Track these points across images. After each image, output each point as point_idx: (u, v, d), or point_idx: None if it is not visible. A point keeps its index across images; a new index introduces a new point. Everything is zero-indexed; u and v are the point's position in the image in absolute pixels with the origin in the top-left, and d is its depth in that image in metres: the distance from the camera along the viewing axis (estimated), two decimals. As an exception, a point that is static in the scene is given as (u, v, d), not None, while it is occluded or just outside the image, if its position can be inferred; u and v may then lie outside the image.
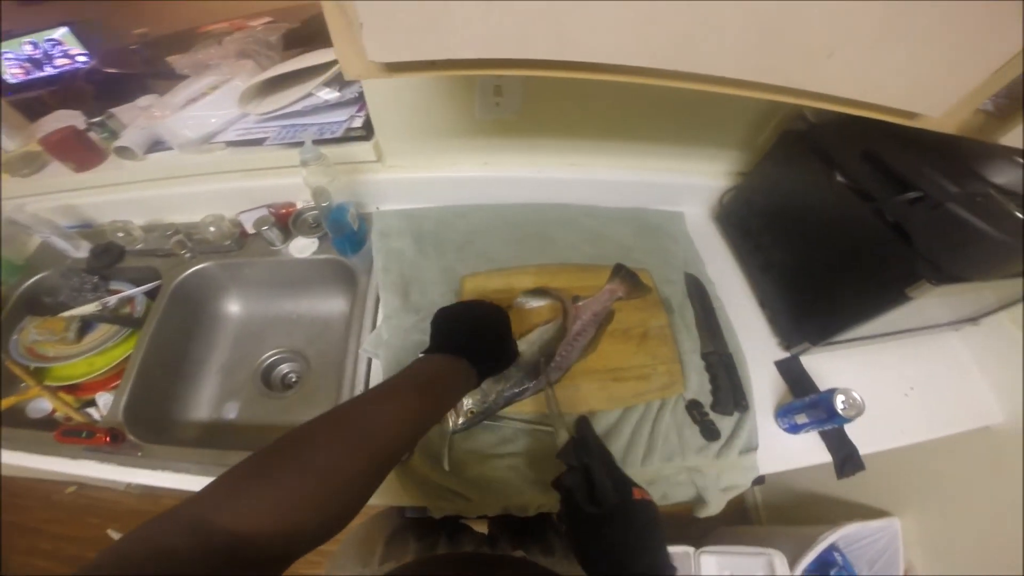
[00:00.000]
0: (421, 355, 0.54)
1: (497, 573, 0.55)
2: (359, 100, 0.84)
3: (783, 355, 0.79)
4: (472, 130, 0.84)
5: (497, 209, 0.95)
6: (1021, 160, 0.50)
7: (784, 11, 0.34)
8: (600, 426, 0.68)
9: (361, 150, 0.84)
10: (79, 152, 0.88)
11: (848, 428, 0.70)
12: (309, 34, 0.97)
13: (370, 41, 0.35)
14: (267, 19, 1.18)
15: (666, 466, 0.66)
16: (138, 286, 0.88)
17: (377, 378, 0.74)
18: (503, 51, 0.37)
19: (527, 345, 0.72)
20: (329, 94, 0.81)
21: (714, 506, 0.67)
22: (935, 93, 0.39)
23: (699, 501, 0.67)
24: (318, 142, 0.77)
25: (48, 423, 0.79)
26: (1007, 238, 0.49)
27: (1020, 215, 0.50)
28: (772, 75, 0.39)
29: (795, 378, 0.75)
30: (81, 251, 0.90)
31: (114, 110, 0.93)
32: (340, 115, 0.83)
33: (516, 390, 0.68)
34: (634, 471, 0.65)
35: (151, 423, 0.76)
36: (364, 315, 0.81)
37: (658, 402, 0.71)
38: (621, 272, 0.82)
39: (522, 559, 0.64)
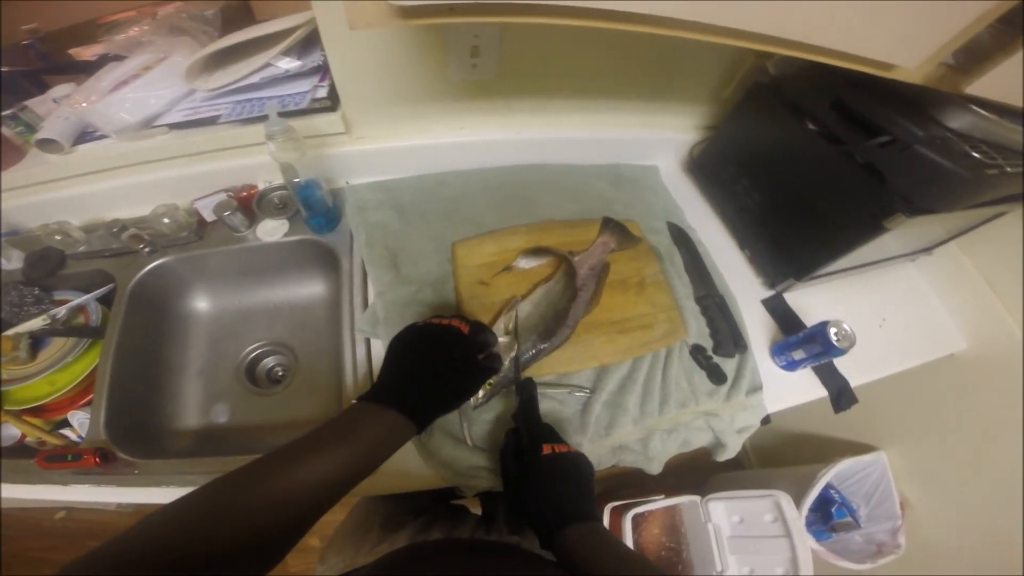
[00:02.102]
0: (355, 401, 0.53)
1: (488, 561, 0.59)
2: (321, 69, 0.82)
3: (768, 293, 0.89)
4: (446, 94, 0.84)
5: (477, 174, 0.97)
6: (973, 107, 0.59)
7: None
8: (613, 379, 0.74)
9: (327, 122, 0.83)
10: None
11: (837, 361, 0.80)
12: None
13: None
14: (178, 2, 1.12)
15: (683, 413, 0.74)
16: (88, 292, 0.84)
17: (378, 358, 0.76)
18: None
19: (533, 306, 0.77)
20: (289, 63, 0.78)
21: (732, 448, 0.75)
22: (913, 47, 0.46)
23: (717, 445, 0.76)
24: (282, 114, 0.74)
25: (22, 450, 0.76)
26: (967, 174, 0.60)
27: (976, 155, 0.60)
28: (786, 30, 0.44)
29: (782, 314, 0.86)
30: (13, 262, 0.84)
31: (27, 103, 0.85)
32: (302, 86, 0.80)
33: (532, 352, 0.73)
34: (653, 420, 0.72)
35: (138, 438, 0.74)
36: (354, 294, 0.82)
37: (664, 350, 0.78)
38: (610, 224, 0.88)
39: (516, 546, 0.69)
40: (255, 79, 0.79)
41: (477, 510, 0.88)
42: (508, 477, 0.60)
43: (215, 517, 0.40)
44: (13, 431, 0.77)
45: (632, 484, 1.42)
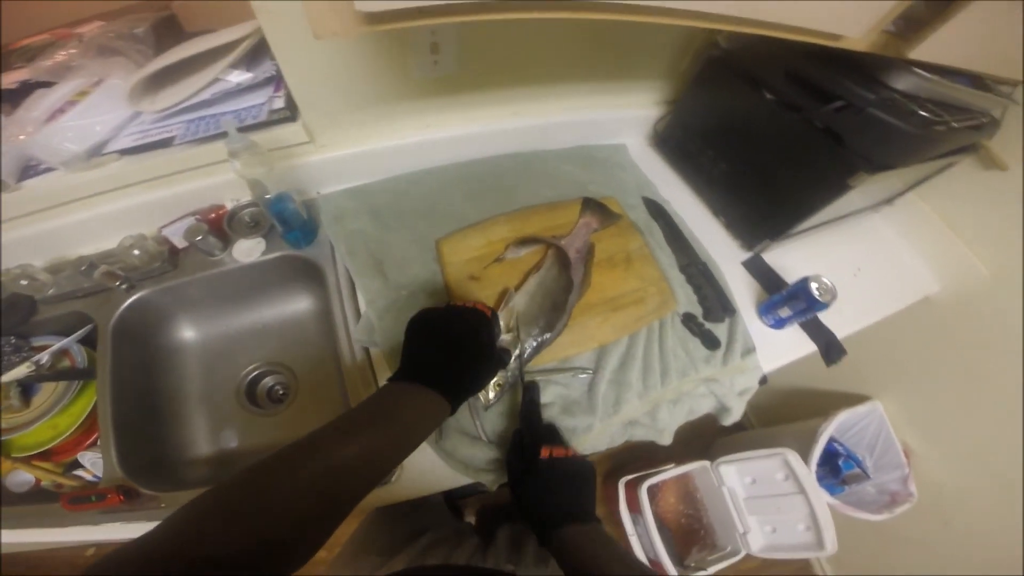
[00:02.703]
0: (388, 382, 0.55)
1: None
2: (274, 79, 0.79)
3: (746, 255, 0.93)
4: (409, 92, 0.84)
5: (450, 169, 0.98)
6: (916, 70, 0.63)
7: None
8: (614, 357, 0.78)
9: (289, 132, 0.81)
10: None
11: (821, 316, 0.85)
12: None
13: None
14: (99, 23, 1.05)
15: (684, 382, 0.78)
16: (66, 335, 0.81)
17: (379, 366, 0.78)
18: None
19: (529, 297, 0.79)
20: (240, 76, 0.76)
21: (736, 411, 0.80)
22: (857, 18, 0.50)
23: (722, 409, 0.80)
24: (241, 130, 0.72)
25: (40, 494, 0.77)
26: (918, 131, 0.65)
27: (924, 113, 0.65)
28: (734, 8, 0.46)
29: (763, 274, 0.90)
30: None
31: None
32: (258, 98, 0.78)
33: (534, 343, 0.75)
34: (657, 392, 0.76)
35: (156, 472, 0.75)
36: (344, 305, 0.82)
37: (657, 323, 0.82)
38: (590, 204, 0.91)
39: (511, 574, 0.72)
40: (205, 95, 0.76)
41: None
42: (512, 476, 0.64)
43: (252, 505, 0.39)
44: (27, 477, 0.77)
45: (640, 457, 1.48)
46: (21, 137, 0.73)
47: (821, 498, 1.14)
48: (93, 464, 0.79)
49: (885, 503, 1.22)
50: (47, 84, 0.82)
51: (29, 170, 0.79)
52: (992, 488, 1.05)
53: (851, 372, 1.29)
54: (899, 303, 0.96)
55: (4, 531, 0.70)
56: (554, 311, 0.78)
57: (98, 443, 0.79)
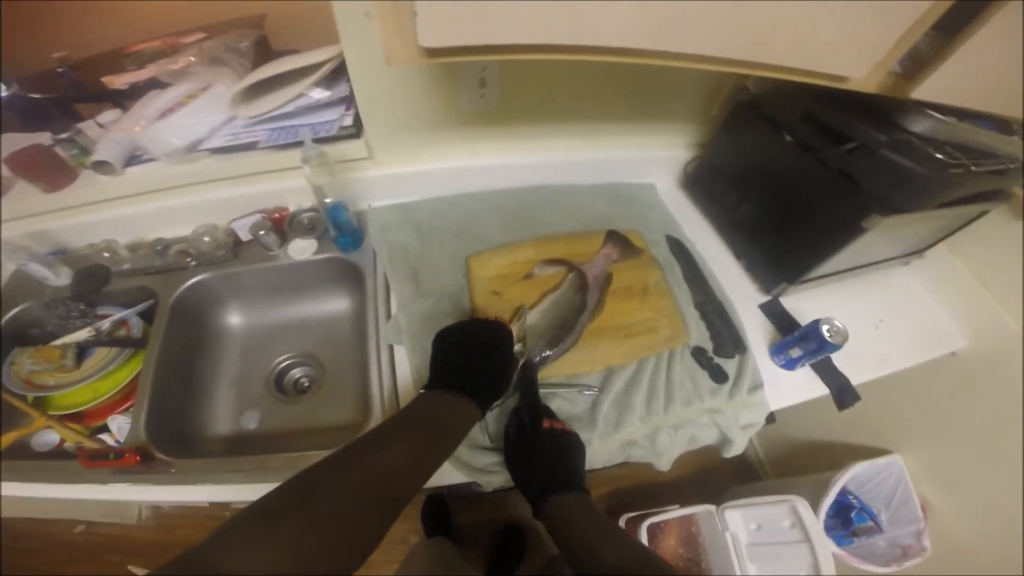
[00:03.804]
0: (423, 391, 0.60)
1: None
2: (347, 99, 0.92)
3: (764, 299, 0.95)
4: (457, 122, 0.94)
5: (486, 196, 1.06)
6: (930, 112, 0.66)
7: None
8: (620, 379, 0.80)
9: (353, 148, 0.92)
10: (50, 171, 0.90)
11: (836, 361, 0.85)
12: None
13: (423, 28, 0.43)
14: (200, 35, 1.26)
15: (688, 410, 0.79)
16: (128, 308, 0.91)
17: (402, 365, 0.83)
18: (531, 37, 0.47)
19: (541, 315, 0.84)
20: (320, 94, 0.89)
21: (738, 444, 0.80)
22: (857, 59, 0.54)
23: (725, 442, 0.80)
24: (315, 141, 0.82)
25: (60, 454, 0.81)
26: (932, 173, 0.66)
27: (940, 156, 0.66)
28: (738, 52, 0.53)
29: (779, 318, 0.91)
30: (62, 278, 0.91)
31: (79, 125, 0.94)
32: (331, 114, 0.90)
33: (538, 358, 0.79)
34: (659, 418, 0.77)
35: (175, 440, 0.80)
36: (378, 307, 0.89)
37: (667, 352, 0.84)
38: (613, 236, 0.97)
39: None
40: (290, 108, 0.89)
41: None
42: (509, 451, 0.68)
43: (300, 511, 0.39)
44: (52, 437, 0.83)
45: (647, 496, 1.44)
46: (136, 129, 0.87)
47: (826, 548, 1.09)
48: (120, 429, 0.84)
49: (895, 556, 1.15)
50: (155, 86, 0.98)
51: (134, 159, 0.94)
52: (1012, 547, 0.96)
53: (872, 425, 1.24)
54: (921, 356, 0.94)
55: (16, 484, 0.74)
56: (563, 328, 0.83)
57: (130, 410, 0.85)
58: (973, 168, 0.68)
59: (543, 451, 0.63)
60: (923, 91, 0.56)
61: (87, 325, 0.89)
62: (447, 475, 0.73)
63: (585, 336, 0.84)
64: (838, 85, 0.58)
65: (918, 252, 0.99)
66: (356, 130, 0.92)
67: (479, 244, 0.97)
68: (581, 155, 1.08)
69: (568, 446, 0.66)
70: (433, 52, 0.48)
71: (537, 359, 0.79)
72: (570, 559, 0.54)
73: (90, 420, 0.85)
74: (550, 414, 0.70)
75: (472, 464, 0.72)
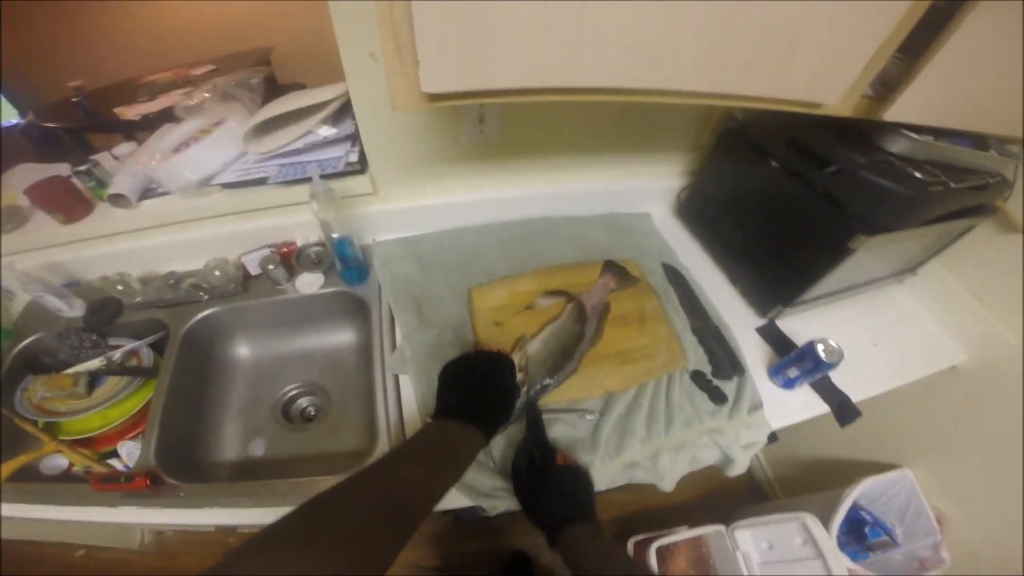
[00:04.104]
0: (430, 420, 0.64)
1: None
2: (352, 136, 0.96)
3: (760, 322, 0.97)
4: (458, 156, 0.98)
5: (487, 228, 1.11)
6: (906, 132, 0.69)
7: (723, 38, 0.51)
8: (620, 404, 0.81)
9: (358, 183, 0.96)
10: (68, 203, 0.93)
11: (835, 379, 0.87)
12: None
13: (425, 75, 0.47)
14: (210, 67, 1.32)
15: (688, 432, 0.80)
16: (138, 339, 0.94)
17: (407, 393, 0.85)
18: (529, 82, 0.50)
19: (542, 344, 0.86)
20: (328, 131, 0.93)
21: (740, 463, 0.81)
22: (830, 85, 0.57)
23: (727, 461, 0.81)
24: (323, 177, 0.86)
25: (69, 478, 0.83)
26: (911, 192, 0.69)
27: (919, 175, 0.69)
28: (721, 86, 0.58)
29: (776, 340, 0.93)
30: (76, 310, 0.94)
31: (95, 157, 0.98)
32: (337, 151, 0.95)
33: (538, 387, 0.81)
34: (660, 440, 0.79)
35: (183, 466, 0.81)
36: (383, 338, 0.91)
37: (666, 376, 0.85)
38: (611, 267, 1.00)
39: None
40: (298, 144, 0.93)
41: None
42: (520, 484, 0.69)
43: (316, 531, 0.40)
44: (60, 461, 0.84)
45: (655, 520, 1.42)
46: (152, 163, 0.91)
47: (840, 562, 1.07)
48: (129, 455, 0.85)
49: (914, 568, 1.13)
50: (166, 119, 1.02)
51: (148, 192, 0.98)
52: None
53: (879, 441, 1.24)
54: (921, 372, 0.95)
55: (24, 505, 0.75)
56: (563, 357, 0.85)
57: (138, 437, 0.87)
58: (953, 185, 0.71)
59: (555, 486, 0.66)
60: (895, 112, 0.60)
61: (99, 355, 0.91)
62: (453, 499, 0.74)
63: (585, 363, 0.86)
64: (814, 112, 0.61)
65: (910, 270, 1.02)
66: (361, 166, 0.97)
67: (481, 276, 1.00)
68: (578, 186, 1.13)
69: (578, 479, 0.69)
70: (436, 97, 0.51)
71: (539, 386, 0.81)
72: None
73: (100, 446, 0.87)
74: (556, 450, 0.72)
75: (477, 488, 0.73)
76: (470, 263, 1.03)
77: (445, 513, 1.52)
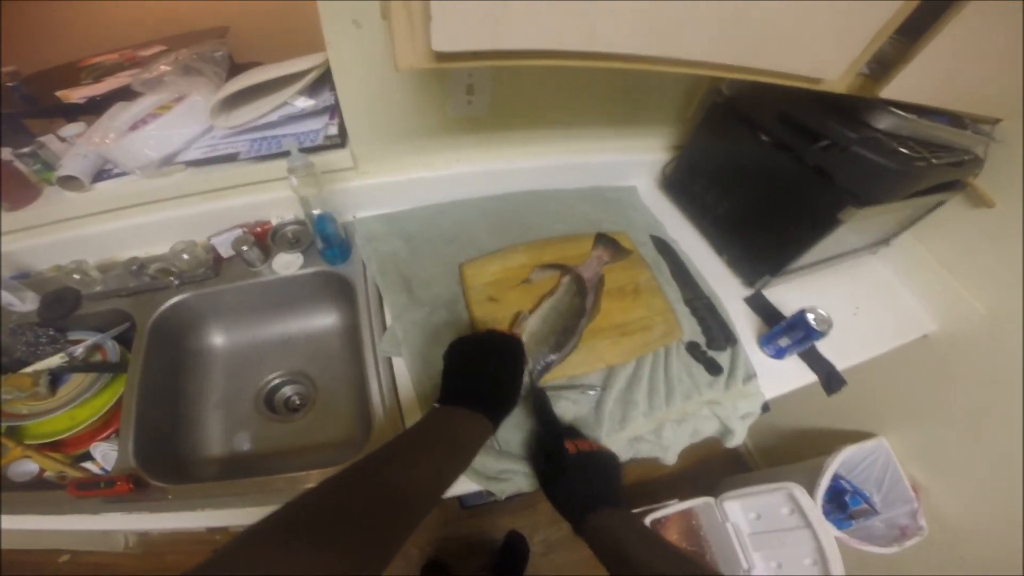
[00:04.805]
0: (435, 405, 0.61)
1: None
2: (331, 108, 0.91)
3: (748, 292, 1.00)
4: (443, 129, 0.95)
5: (475, 203, 1.08)
6: (893, 109, 0.71)
7: (741, 12, 0.50)
8: (621, 378, 0.82)
9: (338, 157, 0.92)
10: (11, 188, 0.84)
11: (821, 348, 0.91)
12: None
13: (436, 33, 0.44)
14: (160, 47, 1.23)
15: (688, 403, 0.82)
16: (102, 331, 0.87)
17: (401, 376, 0.83)
18: (542, 44, 0.48)
19: (542, 320, 0.85)
20: (305, 103, 0.88)
21: (739, 434, 0.83)
22: (832, 63, 0.59)
23: (726, 432, 0.84)
24: (301, 151, 0.81)
25: (42, 484, 0.77)
26: (899, 167, 0.73)
27: (904, 150, 0.73)
28: (730, 57, 0.58)
29: (764, 310, 0.97)
30: (28, 303, 0.87)
31: (41, 139, 0.89)
32: (315, 124, 0.89)
33: (542, 364, 0.80)
34: (662, 413, 0.80)
35: (167, 466, 0.77)
36: (372, 319, 0.88)
37: (663, 349, 0.87)
38: (603, 239, 1.00)
39: None
40: (273, 117, 0.88)
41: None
42: (540, 475, 0.69)
43: (314, 525, 0.39)
44: (30, 467, 0.78)
45: (645, 494, 1.48)
46: (106, 142, 0.83)
47: (828, 531, 1.13)
48: (104, 457, 0.80)
49: (895, 537, 1.20)
50: (117, 99, 0.94)
51: (103, 174, 0.90)
52: (1005, 522, 1.03)
53: (855, 410, 1.31)
54: (896, 340, 1.00)
55: (3, 516, 0.70)
56: (565, 334, 0.85)
57: (112, 437, 0.82)
58: (934, 161, 0.75)
59: (573, 474, 0.65)
60: (890, 90, 0.63)
61: (59, 351, 0.84)
62: (460, 484, 0.72)
63: (584, 337, 0.86)
64: (813, 87, 0.63)
65: (885, 241, 1.07)
66: (341, 139, 0.92)
67: (470, 251, 0.98)
68: (565, 159, 1.12)
69: (598, 464, 0.68)
70: (443, 56, 0.48)
71: (543, 364, 0.81)
72: (614, 573, 0.56)
73: (71, 448, 0.81)
74: (572, 434, 0.72)
75: (484, 472, 0.72)
76: (459, 238, 1.01)
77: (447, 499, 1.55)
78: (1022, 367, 0.93)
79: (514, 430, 0.76)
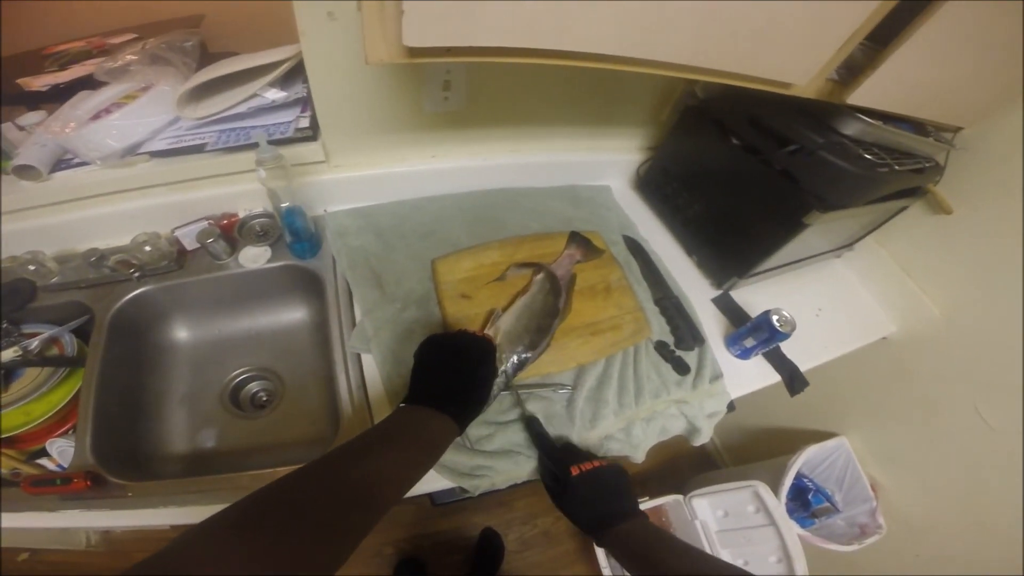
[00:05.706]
0: (402, 404, 0.61)
1: None
2: (302, 100, 0.91)
3: (716, 293, 1.03)
4: (419, 125, 0.95)
5: (449, 199, 1.08)
6: (859, 116, 0.74)
7: (713, 15, 0.52)
8: (591, 376, 0.84)
9: (309, 151, 0.91)
10: None
11: (785, 349, 0.94)
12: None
13: (408, 27, 0.44)
14: (130, 35, 1.20)
15: (657, 402, 0.84)
16: (59, 325, 0.85)
17: (371, 373, 0.83)
18: (515, 41, 0.49)
19: (515, 319, 0.85)
20: (276, 94, 0.87)
21: (705, 432, 0.86)
22: (802, 68, 0.61)
23: (693, 431, 0.86)
24: (270, 143, 0.80)
25: None
26: (863, 172, 0.75)
27: (868, 156, 0.75)
28: (702, 59, 0.59)
29: (731, 311, 0.99)
30: None
31: None
32: (286, 116, 0.89)
33: (516, 361, 0.80)
34: (631, 411, 0.82)
35: (127, 463, 0.76)
36: (341, 316, 0.88)
37: (632, 348, 0.89)
38: (576, 238, 1.01)
39: None
40: (242, 108, 0.87)
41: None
42: (549, 494, 0.71)
43: (272, 519, 0.40)
44: None
45: None
46: (66, 131, 0.81)
47: (792, 529, 1.17)
48: (61, 453, 0.79)
49: (855, 535, 1.24)
50: (82, 87, 0.92)
51: (61, 163, 0.87)
52: (958, 519, 1.09)
53: (818, 410, 1.36)
54: (858, 342, 1.05)
55: None
56: (538, 333, 0.85)
57: (70, 433, 0.81)
58: (896, 167, 0.78)
59: (582, 496, 0.67)
60: (857, 96, 0.65)
61: (12, 344, 0.82)
62: (432, 481, 0.73)
63: (556, 336, 0.87)
64: (783, 91, 0.66)
65: (848, 246, 1.11)
66: (312, 132, 0.91)
67: (444, 247, 0.98)
68: (541, 158, 1.13)
69: (607, 481, 0.69)
70: (415, 52, 0.49)
71: (517, 361, 0.80)
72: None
73: (25, 444, 0.79)
74: (577, 456, 0.72)
75: (457, 468, 0.73)
76: (432, 234, 1.01)
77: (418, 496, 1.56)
78: (973, 369, 0.98)
79: (483, 427, 0.77)
